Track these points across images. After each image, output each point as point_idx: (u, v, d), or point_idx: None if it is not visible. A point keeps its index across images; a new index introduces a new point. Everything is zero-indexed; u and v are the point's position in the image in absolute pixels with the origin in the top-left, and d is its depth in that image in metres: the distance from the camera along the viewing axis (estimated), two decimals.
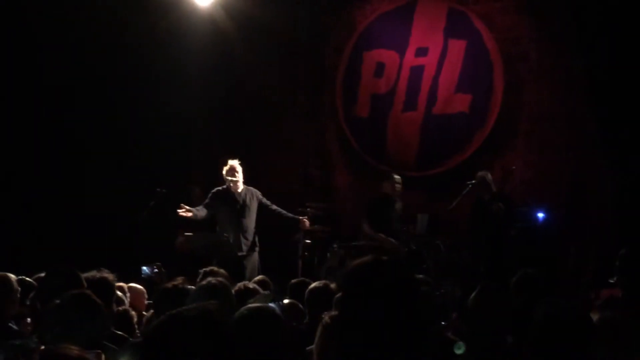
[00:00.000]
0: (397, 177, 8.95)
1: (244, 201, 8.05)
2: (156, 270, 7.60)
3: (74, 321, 3.05)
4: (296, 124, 10.64)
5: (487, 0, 9.72)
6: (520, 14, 9.52)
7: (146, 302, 5.54)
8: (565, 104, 9.20)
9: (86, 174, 9.50)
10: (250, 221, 8.05)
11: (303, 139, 10.62)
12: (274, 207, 8.24)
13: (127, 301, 4.88)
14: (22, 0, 9.04)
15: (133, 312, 4.51)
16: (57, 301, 3.16)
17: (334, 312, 3.10)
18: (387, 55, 10.17)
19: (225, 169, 8.07)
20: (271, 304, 3.20)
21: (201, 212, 7.94)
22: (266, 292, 4.11)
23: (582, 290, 7.16)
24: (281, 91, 10.63)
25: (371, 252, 2.12)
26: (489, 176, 8.46)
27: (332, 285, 4.53)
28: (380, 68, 10.20)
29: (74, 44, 9.21)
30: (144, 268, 7.58)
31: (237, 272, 6.87)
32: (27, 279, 4.88)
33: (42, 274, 4.57)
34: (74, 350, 1.86)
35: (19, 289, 4.42)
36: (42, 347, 1.87)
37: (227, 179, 8.02)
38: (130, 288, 5.37)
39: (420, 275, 5.44)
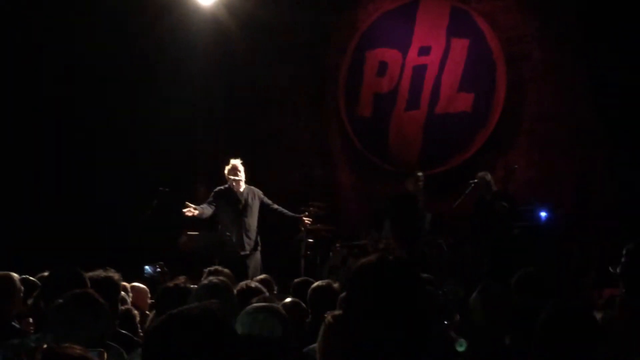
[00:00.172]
0: (420, 173, 8.82)
1: (246, 200, 8.05)
2: (159, 269, 7.61)
3: (77, 321, 3.05)
4: (299, 123, 10.65)
5: None
6: (523, 13, 9.52)
7: (149, 301, 5.55)
8: (567, 103, 9.20)
9: (89, 173, 9.49)
10: (253, 220, 8.05)
11: (305, 138, 10.62)
12: (276, 206, 8.24)
13: (129, 300, 4.89)
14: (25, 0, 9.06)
15: (135, 312, 4.51)
16: (60, 300, 3.16)
17: (337, 312, 3.09)
18: (389, 55, 10.17)
19: (227, 168, 8.07)
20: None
21: (207, 210, 7.94)
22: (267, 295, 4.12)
23: (585, 290, 7.16)
24: (283, 90, 10.63)
25: (374, 252, 2.11)
26: (489, 176, 8.46)
27: (335, 285, 4.52)
28: (382, 67, 10.20)
29: (75, 44, 9.20)
30: (147, 267, 7.59)
31: (240, 271, 6.86)
32: (31, 278, 4.89)
33: (46, 273, 4.58)
34: (77, 349, 1.86)
35: (22, 288, 4.42)
36: (45, 346, 1.86)
37: (230, 178, 8.02)
38: (132, 287, 5.38)
39: (425, 275, 5.44)
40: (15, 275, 4.40)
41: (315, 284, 4.56)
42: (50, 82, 9.14)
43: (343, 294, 4.04)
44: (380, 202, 9.54)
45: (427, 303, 2.03)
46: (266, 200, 8.21)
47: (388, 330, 1.91)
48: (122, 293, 4.59)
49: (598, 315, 3.25)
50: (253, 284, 4.29)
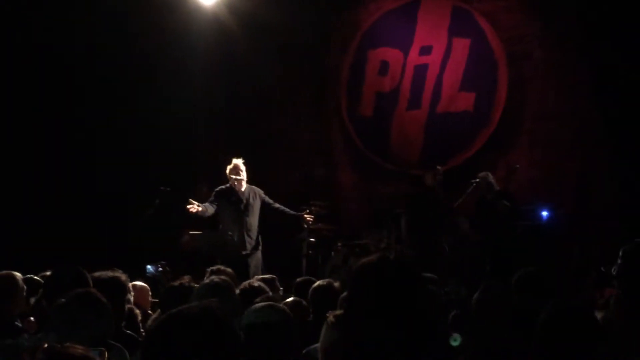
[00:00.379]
0: (439, 167, 8.72)
1: (247, 200, 8.05)
2: (160, 269, 7.62)
3: (79, 320, 3.05)
4: (300, 122, 10.65)
5: None
6: (525, 13, 9.52)
7: (151, 300, 5.55)
8: (569, 102, 9.20)
9: (90, 173, 9.50)
10: (254, 220, 8.05)
11: (307, 137, 10.62)
12: (277, 205, 8.24)
13: (132, 299, 4.88)
14: None
15: (137, 311, 4.51)
16: (63, 300, 3.16)
17: (338, 311, 3.09)
18: (391, 54, 10.17)
19: (229, 167, 8.07)
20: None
21: (209, 208, 7.94)
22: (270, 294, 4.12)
23: (586, 289, 7.15)
24: (285, 90, 10.63)
25: (375, 251, 2.12)
26: (491, 176, 8.44)
27: (336, 284, 4.52)
28: (384, 67, 10.20)
29: (76, 43, 9.21)
30: (149, 267, 7.59)
31: (241, 271, 6.87)
32: (36, 277, 4.88)
33: (47, 273, 4.58)
34: (79, 349, 1.86)
35: (25, 287, 4.43)
36: (45, 346, 1.86)
37: (231, 178, 8.02)
38: (134, 286, 5.37)
39: (429, 274, 5.44)
40: (17, 274, 4.41)
41: (316, 283, 4.56)
42: (51, 82, 9.15)
43: (344, 294, 4.04)
44: (383, 201, 9.54)
45: (427, 303, 2.03)
46: (267, 199, 8.21)
47: (389, 330, 1.92)
48: None
49: (599, 315, 3.25)
50: (256, 284, 4.29)
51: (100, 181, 9.47)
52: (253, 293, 3.93)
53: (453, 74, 9.80)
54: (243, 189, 8.05)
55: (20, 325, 4.23)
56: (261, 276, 5.41)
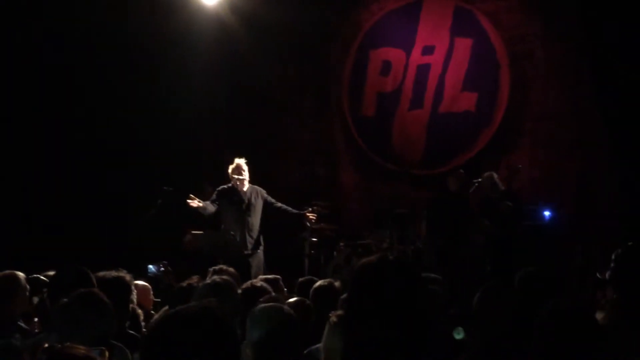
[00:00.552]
0: (461, 170, 8.61)
1: (249, 200, 8.05)
2: (162, 268, 7.62)
3: (81, 320, 3.06)
4: (302, 122, 10.65)
5: None
6: (526, 13, 9.52)
7: (153, 300, 5.56)
8: (571, 102, 9.19)
9: (92, 172, 9.51)
10: (256, 220, 8.06)
11: (309, 137, 10.62)
12: (279, 204, 8.24)
13: (134, 299, 4.89)
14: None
15: (139, 311, 4.51)
16: (65, 300, 3.17)
17: (340, 312, 3.10)
18: (393, 54, 10.17)
19: (231, 167, 8.08)
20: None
21: (209, 206, 7.96)
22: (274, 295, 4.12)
23: (588, 290, 7.15)
24: (287, 90, 10.63)
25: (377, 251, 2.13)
26: (495, 176, 8.40)
27: (337, 284, 4.52)
28: (386, 66, 10.20)
29: (78, 44, 9.23)
30: (151, 266, 7.60)
31: (243, 270, 6.88)
32: (42, 277, 4.89)
33: (50, 272, 4.59)
34: (80, 349, 1.87)
35: (27, 287, 4.43)
36: (46, 345, 1.87)
37: (233, 178, 8.03)
38: (136, 286, 5.38)
39: (433, 275, 5.44)
40: (20, 274, 4.41)
41: (317, 283, 4.55)
42: (52, 81, 9.16)
43: (343, 296, 4.04)
44: (384, 201, 9.53)
45: (427, 303, 2.04)
46: (270, 199, 8.21)
47: (389, 330, 1.92)
48: None
49: (600, 315, 3.25)
50: (259, 284, 4.29)
51: (103, 181, 9.48)
52: (255, 293, 3.93)
53: (455, 74, 9.80)
54: (245, 189, 8.05)
55: (23, 325, 4.24)
56: (265, 276, 5.42)
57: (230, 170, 8.07)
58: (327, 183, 10.46)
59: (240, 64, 10.45)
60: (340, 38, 10.58)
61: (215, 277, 3.51)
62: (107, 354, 2.29)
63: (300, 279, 5.18)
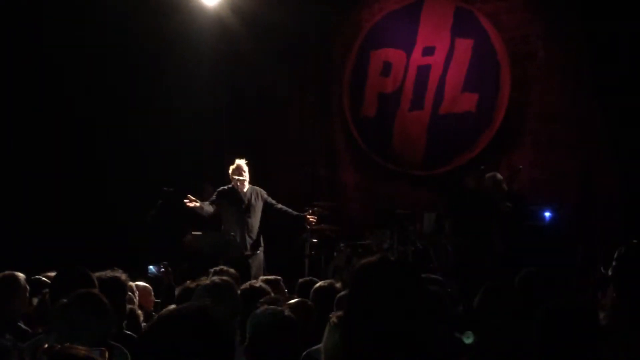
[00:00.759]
0: (482, 167, 8.43)
1: (249, 200, 8.06)
2: (162, 269, 7.61)
3: (81, 321, 3.06)
4: (304, 123, 10.65)
5: None
6: (527, 13, 9.51)
7: (153, 300, 5.55)
8: (572, 102, 9.18)
9: (93, 173, 9.52)
10: (255, 220, 8.07)
11: (310, 138, 10.62)
12: (280, 205, 8.24)
13: (136, 300, 4.89)
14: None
15: (139, 311, 4.51)
16: (64, 300, 3.17)
17: (341, 312, 3.10)
18: (394, 54, 10.16)
19: (231, 167, 8.09)
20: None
21: (207, 207, 7.96)
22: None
23: (589, 290, 7.14)
24: (288, 90, 10.63)
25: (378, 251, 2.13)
26: (498, 177, 8.37)
27: (338, 285, 4.51)
28: (387, 67, 10.19)
29: (79, 45, 9.23)
30: (151, 267, 7.60)
31: (243, 271, 6.88)
32: (43, 278, 4.88)
33: (51, 273, 4.58)
34: (81, 349, 1.87)
35: (28, 287, 4.43)
36: (46, 346, 1.87)
37: (234, 178, 8.04)
38: (137, 287, 5.38)
39: (433, 276, 5.43)
40: (20, 274, 4.41)
41: (317, 284, 4.55)
42: (53, 82, 9.17)
43: (340, 294, 4.03)
44: (385, 202, 9.52)
45: (428, 303, 2.04)
46: (270, 200, 8.22)
47: (389, 330, 1.92)
48: (129, 293, 4.60)
49: (601, 315, 3.24)
50: (258, 284, 4.28)
51: (103, 181, 9.48)
52: (254, 294, 3.92)
53: (456, 74, 9.79)
54: (245, 190, 8.06)
55: (24, 326, 4.24)
56: (265, 277, 5.42)
57: (230, 171, 8.07)
58: (327, 183, 10.45)
59: (240, 64, 10.45)
60: (340, 38, 10.58)
61: (215, 278, 3.50)
62: (107, 354, 2.29)
63: (301, 280, 5.17)
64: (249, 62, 10.28)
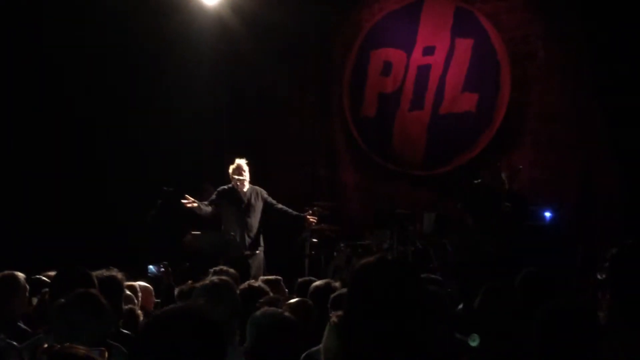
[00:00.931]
0: (499, 164, 8.36)
1: (249, 200, 8.06)
2: (162, 269, 7.61)
3: (79, 320, 3.06)
4: (304, 123, 10.64)
5: None
6: (528, 13, 9.50)
7: (154, 301, 5.55)
8: (572, 102, 9.18)
9: (94, 172, 9.52)
10: (255, 220, 8.07)
11: (310, 138, 10.61)
12: (280, 205, 8.24)
13: (139, 300, 4.89)
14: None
15: (139, 311, 4.51)
16: (62, 300, 3.17)
17: (341, 312, 3.09)
18: (394, 54, 10.16)
19: (232, 167, 8.09)
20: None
21: (206, 208, 7.96)
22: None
23: (590, 290, 7.14)
24: (288, 90, 10.62)
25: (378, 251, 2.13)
26: (503, 175, 8.34)
27: (337, 284, 4.50)
28: (387, 67, 10.19)
29: (79, 45, 9.23)
30: (151, 267, 7.60)
31: (243, 271, 6.89)
32: (44, 277, 4.88)
33: (51, 272, 4.58)
34: (80, 349, 1.87)
35: (27, 287, 4.42)
36: (45, 346, 1.88)
37: (234, 178, 8.04)
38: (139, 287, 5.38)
39: (432, 276, 5.43)
40: (20, 274, 4.41)
41: (314, 284, 4.54)
42: (53, 82, 9.17)
43: (335, 294, 4.03)
44: (385, 202, 9.50)
45: (427, 303, 2.04)
46: (270, 200, 8.22)
47: (389, 331, 1.92)
48: (129, 293, 4.61)
49: (601, 315, 3.23)
50: (256, 284, 4.28)
51: (103, 181, 9.48)
52: (253, 293, 3.92)
53: (456, 74, 9.78)
54: (245, 189, 8.06)
55: (23, 326, 4.23)
56: (266, 277, 5.42)
57: (230, 171, 8.08)
58: (327, 183, 10.45)
59: (240, 64, 10.45)
60: (340, 38, 10.57)
61: (214, 278, 3.50)
62: (106, 354, 2.29)
63: (300, 280, 5.17)
64: (249, 62, 10.28)
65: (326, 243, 9.19)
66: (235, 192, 8.05)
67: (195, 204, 7.78)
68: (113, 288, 3.86)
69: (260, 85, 10.55)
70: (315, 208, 8.48)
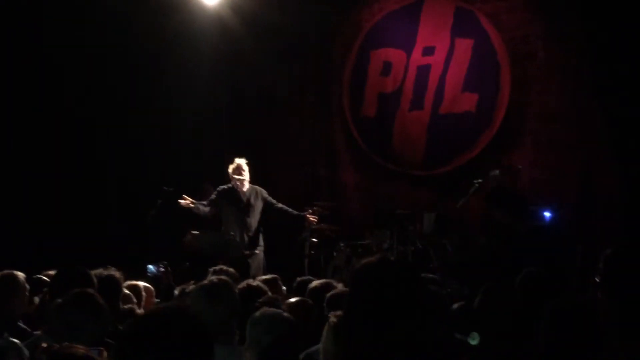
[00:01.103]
0: (510, 166, 8.37)
1: (249, 200, 8.06)
2: (162, 269, 7.61)
3: (76, 320, 3.06)
4: (304, 123, 10.64)
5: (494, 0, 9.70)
6: (528, 13, 9.50)
7: (154, 301, 5.54)
8: (572, 102, 9.17)
9: (94, 172, 9.52)
10: (254, 220, 8.07)
11: (310, 138, 10.61)
12: (280, 205, 8.24)
13: (143, 300, 4.88)
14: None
15: (139, 311, 4.51)
16: (60, 300, 3.17)
17: (340, 312, 3.09)
18: (394, 54, 10.15)
19: (231, 167, 8.08)
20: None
21: (204, 208, 7.95)
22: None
23: (590, 290, 7.13)
24: (288, 90, 10.62)
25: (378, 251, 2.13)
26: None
27: (340, 285, 4.49)
28: (387, 67, 10.18)
29: (79, 45, 9.23)
30: (150, 266, 7.59)
31: (242, 271, 6.88)
32: (44, 277, 4.88)
33: (51, 272, 4.58)
34: (80, 349, 1.87)
35: (27, 287, 4.42)
36: (44, 345, 1.87)
37: (234, 178, 8.03)
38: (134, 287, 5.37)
39: (430, 275, 5.42)
40: (19, 274, 4.40)
41: (312, 284, 4.53)
42: (53, 82, 9.17)
43: (331, 293, 4.03)
44: (385, 202, 9.51)
45: (428, 303, 2.03)
46: (270, 199, 8.22)
47: (389, 331, 1.92)
48: (128, 292, 4.60)
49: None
50: (254, 283, 4.27)
51: (103, 181, 9.49)
52: (251, 293, 3.91)
53: (456, 74, 9.78)
54: (245, 189, 8.06)
55: (23, 326, 4.23)
56: (263, 277, 5.41)
57: (230, 170, 8.07)
58: (327, 183, 10.45)
59: (240, 64, 10.44)
60: (340, 38, 10.57)
61: (213, 278, 3.49)
62: (105, 353, 2.29)
63: (298, 279, 5.16)
64: (249, 62, 10.28)
65: (326, 243, 9.19)
66: (234, 192, 8.05)
67: (191, 205, 7.78)
68: (111, 287, 3.86)
69: (260, 85, 10.54)
70: (315, 208, 8.47)
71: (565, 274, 7.70)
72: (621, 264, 3.32)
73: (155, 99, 9.72)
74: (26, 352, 3.19)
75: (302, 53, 10.56)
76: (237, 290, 3.90)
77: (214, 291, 3.29)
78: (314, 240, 9.05)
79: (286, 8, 9.88)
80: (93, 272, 3.95)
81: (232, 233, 7.87)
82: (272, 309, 3.23)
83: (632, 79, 8.29)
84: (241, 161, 8.08)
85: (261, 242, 8.15)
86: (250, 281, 4.38)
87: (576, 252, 8.23)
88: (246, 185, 8.06)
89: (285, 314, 3.18)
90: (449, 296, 4.92)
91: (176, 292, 4.89)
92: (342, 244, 9.01)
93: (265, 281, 4.71)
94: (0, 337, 3.41)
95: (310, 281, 4.82)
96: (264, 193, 8.22)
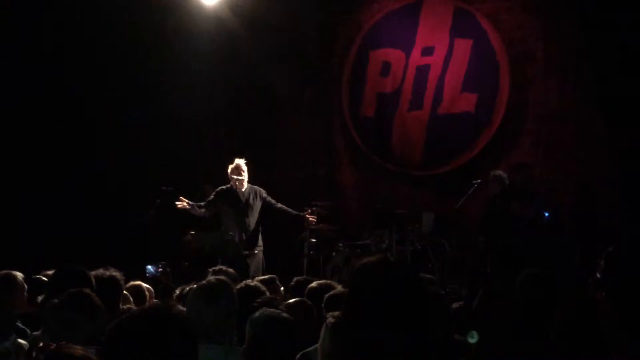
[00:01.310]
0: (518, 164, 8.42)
1: (247, 200, 8.06)
2: (161, 269, 7.62)
3: (73, 320, 3.05)
4: (303, 122, 10.64)
5: (494, 0, 9.69)
6: (527, 14, 9.49)
7: (154, 302, 5.54)
8: (571, 103, 9.17)
9: (93, 172, 9.52)
10: (253, 220, 8.06)
11: (309, 138, 10.61)
12: (279, 205, 8.24)
13: (147, 301, 4.88)
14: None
15: None
16: (56, 300, 3.16)
17: (337, 313, 3.09)
18: (393, 55, 10.15)
19: (230, 167, 8.08)
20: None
21: (200, 209, 7.95)
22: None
23: (589, 290, 7.13)
24: (287, 90, 10.62)
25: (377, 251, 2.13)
26: (504, 174, 8.34)
27: (339, 287, 4.48)
28: (386, 67, 10.18)
29: (78, 44, 9.23)
30: (149, 267, 7.60)
31: (241, 271, 6.88)
32: (43, 277, 4.88)
33: (49, 272, 4.57)
34: (78, 349, 1.86)
35: (25, 287, 4.42)
36: (41, 345, 1.87)
37: (232, 178, 8.03)
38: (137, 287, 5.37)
39: (428, 275, 5.42)
40: (18, 274, 4.40)
41: (311, 284, 4.53)
42: (51, 82, 9.17)
43: (329, 293, 4.02)
44: (384, 202, 9.49)
45: (427, 303, 2.03)
46: (269, 199, 8.21)
47: (388, 331, 1.91)
48: (126, 293, 4.60)
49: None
50: (253, 283, 4.26)
51: (102, 181, 9.48)
52: (250, 293, 3.91)
53: (455, 75, 9.77)
54: (244, 189, 8.05)
55: (21, 326, 4.22)
56: (261, 277, 5.41)
57: (229, 170, 8.07)
58: (326, 183, 10.45)
59: (240, 63, 10.44)
60: (340, 38, 10.57)
61: (211, 278, 3.49)
62: None
63: (296, 279, 5.15)
64: (248, 61, 10.28)
65: (325, 243, 9.19)
66: (233, 192, 8.05)
67: (187, 206, 7.77)
68: (112, 288, 3.85)
69: (260, 85, 10.54)
70: (314, 208, 8.47)
71: (565, 273, 7.70)
72: (622, 261, 3.32)
73: (154, 99, 9.72)
74: (22, 352, 3.18)
75: (302, 53, 10.56)
76: (235, 291, 3.90)
77: (212, 291, 3.28)
78: (313, 240, 9.05)
79: (286, 8, 9.88)
80: (94, 273, 3.94)
81: (231, 233, 7.87)
82: (272, 310, 3.22)
83: (632, 78, 8.28)
84: (240, 161, 8.08)
85: (260, 242, 8.14)
86: (249, 281, 4.37)
87: (576, 252, 8.23)
88: (245, 186, 8.06)
89: (285, 315, 3.17)
90: (448, 296, 4.93)
91: (176, 292, 4.89)
92: (341, 244, 9.01)
93: (263, 281, 4.70)
94: (7, 339, 3.41)
95: (307, 280, 4.81)
96: (263, 193, 8.21)
